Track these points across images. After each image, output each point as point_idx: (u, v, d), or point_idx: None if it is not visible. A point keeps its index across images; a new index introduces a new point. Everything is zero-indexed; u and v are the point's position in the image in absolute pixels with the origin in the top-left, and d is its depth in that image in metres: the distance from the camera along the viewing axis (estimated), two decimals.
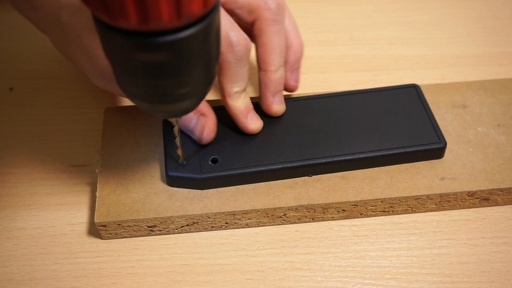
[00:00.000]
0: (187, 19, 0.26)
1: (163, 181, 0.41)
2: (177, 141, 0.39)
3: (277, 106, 0.43)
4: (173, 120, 0.37)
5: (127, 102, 0.48)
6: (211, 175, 0.40)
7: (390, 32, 0.56)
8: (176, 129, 0.38)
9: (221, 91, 0.41)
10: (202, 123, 0.41)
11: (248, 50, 0.39)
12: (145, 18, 0.25)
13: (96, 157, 0.44)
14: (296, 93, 0.46)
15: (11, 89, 0.50)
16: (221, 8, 0.40)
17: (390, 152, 0.41)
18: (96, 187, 0.40)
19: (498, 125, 0.44)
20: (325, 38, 0.55)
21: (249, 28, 0.42)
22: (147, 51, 0.28)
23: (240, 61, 0.39)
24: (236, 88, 0.40)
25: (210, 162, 0.40)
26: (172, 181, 0.40)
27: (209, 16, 0.28)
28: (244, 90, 0.41)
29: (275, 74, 0.42)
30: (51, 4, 0.39)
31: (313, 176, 0.41)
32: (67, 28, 0.38)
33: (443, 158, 0.42)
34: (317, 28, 0.56)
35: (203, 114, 0.41)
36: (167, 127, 0.42)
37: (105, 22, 0.27)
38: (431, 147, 0.42)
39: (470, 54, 0.54)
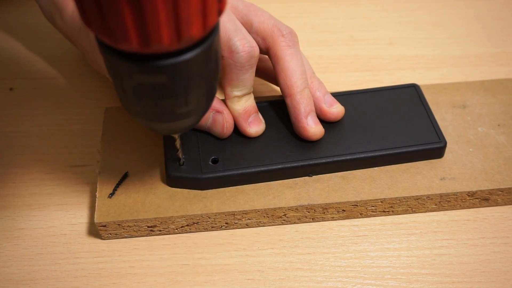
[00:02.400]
0: (187, 42, 0.27)
1: (163, 181, 0.41)
2: (179, 153, 0.39)
3: (312, 128, 0.41)
4: (175, 136, 0.38)
5: None
6: (211, 175, 0.40)
7: (390, 32, 0.56)
8: (178, 150, 0.38)
9: (224, 92, 0.41)
10: (221, 120, 0.41)
11: (252, 57, 0.39)
12: (146, 42, 0.26)
13: (96, 157, 0.44)
14: None
15: (11, 89, 0.50)
16: (229, 12, 0.40)
17: (390, 151, 0.41)
18: (96, 187, 0.40)
19: (498, 125, 0.44)
20: (325, 38, 0.55)
21: (265, 54, 0.42)
22: (148, 74, 0.28)
23: (241, 67, 0.39)
24: (236, 93, 0.40)
25: (210, 163, 0.40)
26: (172, 181, 0.40)
27: (209, 39, 0.29)
28: (245, 94, 0.41)
29: (302, 94, 0.41)
30: (77, 15, 0.42)
31: (313, 176, 0.41)
32: (92, 34, 0.40)
33: (443, 158, 0.42)
34: (317, 28, 0.56)
35: (218, 111, 0.41)
36: None
37: (107, 45, 0.27)
38: (431, 147, 0.42)
39: (471, 54, 0.54)
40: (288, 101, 0.41)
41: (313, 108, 0.41)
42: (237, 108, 0.41)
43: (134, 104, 0.31)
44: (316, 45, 0.55)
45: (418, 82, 0.48)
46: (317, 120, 0.41)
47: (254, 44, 0.39)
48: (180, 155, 0.40)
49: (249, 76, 0.40)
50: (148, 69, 0.28)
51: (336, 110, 0.42)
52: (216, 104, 0.41)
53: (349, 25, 0.57)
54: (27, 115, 0.48)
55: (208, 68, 0.30)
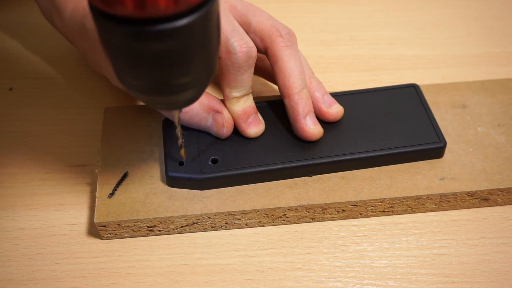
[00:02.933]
0: (185, 5, 0.26)
1: (163, 181, 0.41)
2: (179, 141, 0.38)
3: (311, 128, 0.41)
4: (175, 116, 0.36)
5: (126, 102, 0.48)
6: (211, 175, 0.40)
7: (390, 32, 0.56)
8: (178, 130, 0.37)
9: (223, 93, 0.41)
10: (220, 120, 0.41)
11: (250, 58, 0.39)
12: (141, 4, 0.25)
13: (96, 157, 0.44)
14: None
15: (11, 89, 0.50)
16: (227, 12, 0.40)
17: (390, 151, 0.41)
18: (96, 187, 0.40)
19: (498, 125, 0.44)
20: (325, 38, 0.55)
21: (264, 54, 0.42)
22: (144, 40, 0.27)
23: (239, 68, 0.39)
24: (235, 94, 0.40)
25: (210, 163, 0.40)
26: (172, 181, 0.40)
27: (208, 4, 0.27)
28: (244, 95, 0.41)
29: (300, 95, 0.41)
30: (77, 13, 0.42)
31: (313, 176, 0.41)
32: (91, 34, 0.40)
33: (443, 158, 0.42)
34: (317, 28, 0.56)
35: (217, 111, 0.41)
36: (167, 127, 0.42)
37: (101, 10, 0.26)
38: (431, 147, 0.42)
39: (470, 54, 0.54)
40: (286, 101, 0.41)
41: (312, 109, 0.41)
42: (236, 109, 0.41)
43: (130, 75, 0.30)
44: (316, 45, 0.55)
45: (418, 82, 0.48)
46: (316, 121, 0.41)
47: (252, 44, 0.39)
48: (183, 154, 0.39)
49: (247, 77, 0.40)
50: (144, 35, 0.27)
51: (335, 110, 0.42)
52: (216, 104, 0.41)
53: (349, 25, 0.57)
54: (27, 115, 0.48)
55: (207, 35, 0.29)
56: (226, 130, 0.41)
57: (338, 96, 0.44)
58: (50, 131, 0.47)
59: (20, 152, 0.45)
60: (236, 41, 0.38)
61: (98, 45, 0.40)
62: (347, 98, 0.44)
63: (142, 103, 0.46)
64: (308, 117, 0.41)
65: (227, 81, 0.40)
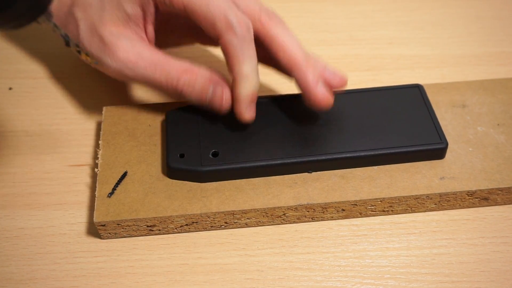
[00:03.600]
0: None
1: (162, 180, 0.41)
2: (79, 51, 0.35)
3: (324, 95, 0.40)
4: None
5: (126, 102, 0.48)
6: (211, 168, 0.40)
7: (390, 32, 0.56)
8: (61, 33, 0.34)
9: (232, 75, 0.40)
10: (220, 92, 0.41)
11: (250, 30, 0.39)
12: None
13: (96, 157, 0.44)
14: (298, 91, 0.46)
15: (10, 88, 0.50)
16: None
17: (391, 151, 0.41)
18: (95, 187, 0.40)
19: (498, 124, 0.44)
20: (324, 38, 0.55)
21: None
22: None
23: (244, 41, 0.39)
24: (245, 68, 0.39)
25: (210, 156, 0.41)
26: (173, 173, 0.40)
27: None
28: (254, 69, 0.40)
29: (308, 63, 0.40)
30: (65, 3, 0.43)
31: (313, 176, 0.41)
32: (80, 22, 0.41)
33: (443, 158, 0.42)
34: (317, 28, 0.56)
35: (217, 83, 0.41)
36: (170, 119, 0.42)
37: None
38: (432, 147, 0.41)
39: (470, 54, 0.54)
40: (295, 74, 0.40)
41: (321, 75, 0.41)
42: (242, 91, 0.40)
43: None
44: (316, 44, 0.55)
45: (418, 82, 0.48)
46: (327, 88, 0.41)
47: (247, 19, 0.39)
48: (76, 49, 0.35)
49: (252, 48, 0.40)
50: None
51: (339, 76, 0.42)
52: (217, 76, 0.41)
53: (349, 25, 0.57)
54: (26, 115, 0.48)
55: None
56: (225, 102, 0.41)
57: (342, 94, 0.44)
58: (49, 130, 0.47)
59: (19, 152, 0.45)
60: (234, 17, 0.39)
61: (87, 32, 0.41)
62: (351, 96, 0.44)
63: (142, 103, 0.46)
64: (319, 85, 0.40)
65: (235, 57, 0.39)
